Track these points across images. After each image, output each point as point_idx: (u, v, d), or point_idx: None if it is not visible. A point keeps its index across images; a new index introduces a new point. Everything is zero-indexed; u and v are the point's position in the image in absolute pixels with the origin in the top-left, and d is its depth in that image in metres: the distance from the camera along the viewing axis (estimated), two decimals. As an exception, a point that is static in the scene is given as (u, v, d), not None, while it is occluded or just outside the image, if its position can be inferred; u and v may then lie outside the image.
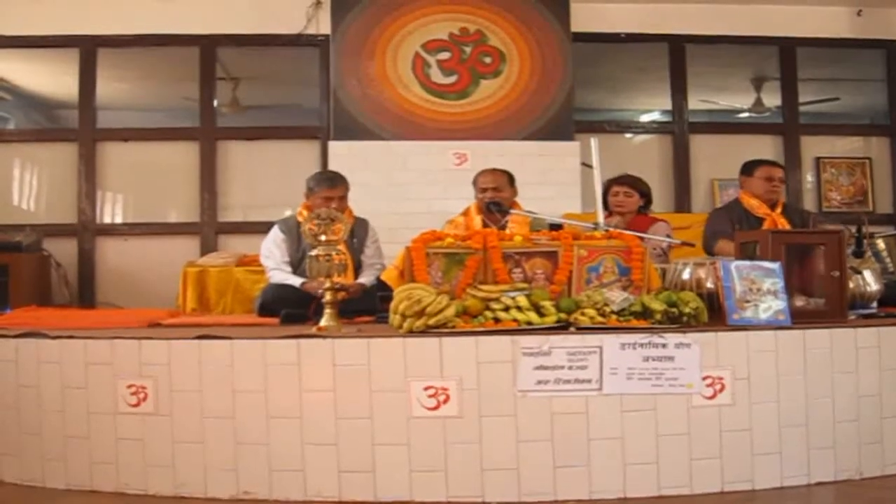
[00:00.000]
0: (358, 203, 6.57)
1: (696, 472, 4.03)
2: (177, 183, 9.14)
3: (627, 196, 6.59)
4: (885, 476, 4.24)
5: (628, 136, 9.93)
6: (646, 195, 6.72)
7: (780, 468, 4.11)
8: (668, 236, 6.24)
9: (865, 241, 5.36)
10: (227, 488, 4.03)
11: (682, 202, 9.43)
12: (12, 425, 4.38)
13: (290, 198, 6.60)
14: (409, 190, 8.24)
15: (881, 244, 6.02)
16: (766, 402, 4.11)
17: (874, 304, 5.02)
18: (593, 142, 5.22)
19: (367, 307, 5.49)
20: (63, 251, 8.78)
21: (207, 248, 8.86)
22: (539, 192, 7.40)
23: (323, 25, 8.81)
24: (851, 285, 4.83)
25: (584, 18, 8.91)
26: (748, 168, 6.55)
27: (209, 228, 8.98)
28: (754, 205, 6.35)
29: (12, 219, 8.79)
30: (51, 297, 8.46)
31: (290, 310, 5.37)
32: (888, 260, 5.99)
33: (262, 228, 6.61)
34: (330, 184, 6.33)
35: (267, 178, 8.99)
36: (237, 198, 9.14)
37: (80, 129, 9.06)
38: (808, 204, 9.59)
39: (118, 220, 9.22)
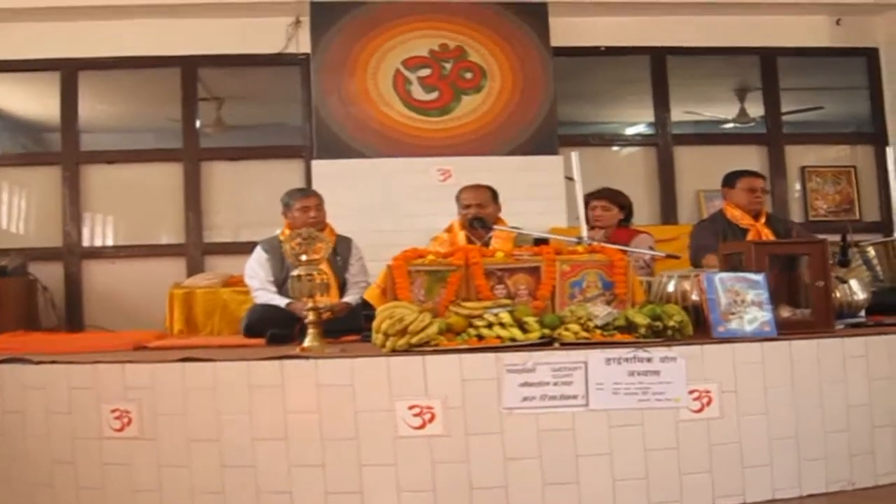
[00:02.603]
0: (343, 221, 6.57)
1: (687, 487, 4.01)
2: (162, 204, 9.11)
3: (605, 210, 6.59)
4: (877, 486, 4.23)
5: (613, 149, 9.94)
6: (625, 208, 6.71)
7: (771, 480, 4.09)
8: (651, 248, 6.23)
9: (854, 250, 5.36)
10: (213, 512, 4.01)
11: (667, 214, 9.43)
12: (-3, 451, 4.36)
13: (276, 217, 6.58)
14: (394, 207, 8.21)
15: (871, 251, 5.99)
16: (755, 415, 4.10)
17: (862, 313, 5.00)
18: (574, 155, 5.23)
19: (352, 326, 5.48)
20: (49, 275, 8.74)
21: (194, 269, 8.83)
22: (524, 207, 7.37)
23: (303, 44, 8.80)
24: (838, 295, 4.83)
25: (563, 32, 8.91)
26: (730, 179, 6.56)
27: (195, 249, 8.95)
28: (738, 216, 6.35)
29: (-3, 243, 8.75)
30: (38, 321, 8.41)
31: (275, 330, 5.36)
32: (878, 268, 5.97)
33: (249, 249, 6.59)
34: (303, 193, 6.48)
35: (252, 197, 8.95)
36: (222, 218, 9.12)
37: (62, 151, 9.04)
38: (795, 213, 9.61)
39: (104, 242, 9.18)
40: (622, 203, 6.70)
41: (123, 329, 7.95)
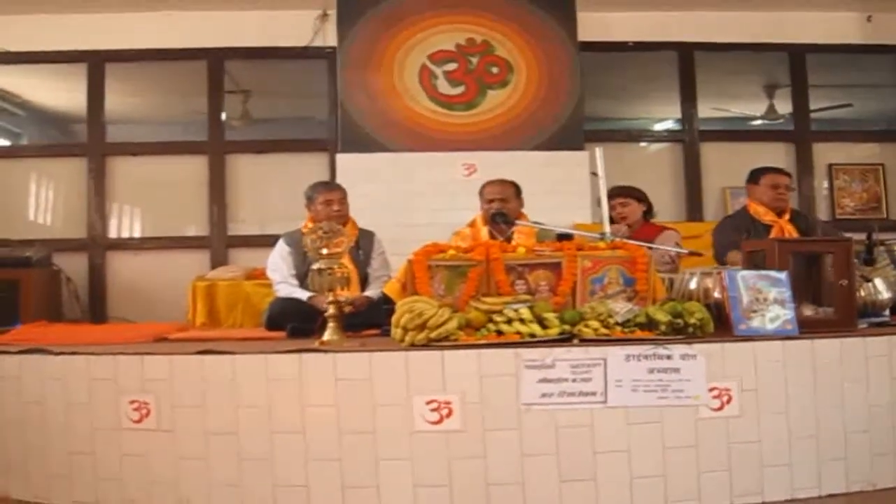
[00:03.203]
0: (366, 215, 6.55)
1: (705, 485, 3.99)
2: (186, 197, 9.14)
3: (624, 206, 6.55)
4: (898, 487, 4.20)
5: (640, 145, 9.89)
6: (643, 200, 6.67)
7: (790, 480, 4.07)
8: (677, 245, 6.19)
9: (881, 248, 5.30)
10: (230, 505, 4.02)
11: (693, 211, 9.37)
12: (17, 442, 4.37)
13: (300, 211, 6.55)
14: (417, 201, 8.22)
15: (899, 250, 5.92)
16: (775, 413, 4.07)
17: (886, 313, 4.94)
18: (598, 151, 5.18)
19: (373, 320, 5.46)
20: (74, 266, 8.79)
21: (217, 261, 8.86)
22: (549, 203, 7.34)
23: (330, 37, 8.80)
24: (862, 293, 4.78)
25: (590, 28, 8.89)
26: (754, 176, 6.51)
27: (219, 242, 8.98)
28: (761, 212, 6.30)
29: (23, 234, 8.78)
30: (62, 313, 8.46)
31: (296, 324, 5.34)
32: (906, 267, 5.89)
33: (272, 242, 6.55)
34: (326, 186, 6.45)
35: (276, 191, 8.96)
36: (247, 211, 9.14)
37: (88, 143, 9.09)
38: (822, 211, 9.53)
39: (128, 234, 9.22)
40: (638, 196, 6.66)
41: (146, 320, 7.96)
